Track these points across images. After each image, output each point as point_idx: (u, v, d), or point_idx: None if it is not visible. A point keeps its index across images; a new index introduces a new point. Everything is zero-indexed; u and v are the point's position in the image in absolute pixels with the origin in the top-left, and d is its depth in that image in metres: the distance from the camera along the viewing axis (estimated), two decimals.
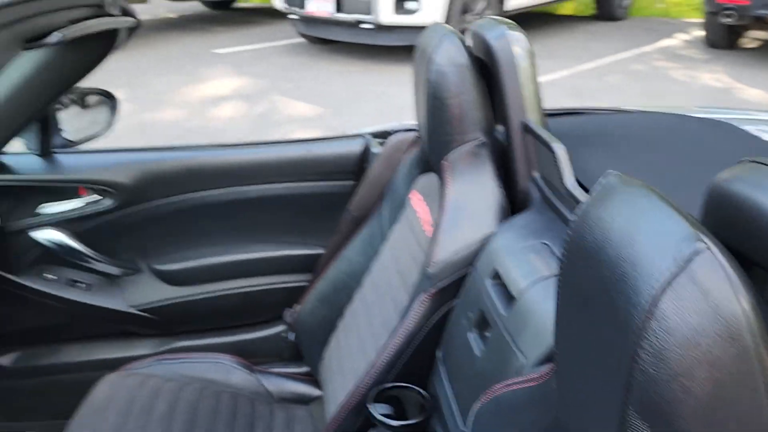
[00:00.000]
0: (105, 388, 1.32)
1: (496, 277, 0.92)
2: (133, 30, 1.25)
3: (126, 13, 1.13)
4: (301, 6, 6.05)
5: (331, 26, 6.09)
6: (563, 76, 5.63)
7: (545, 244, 0.92)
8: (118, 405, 1.26)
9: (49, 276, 1.56)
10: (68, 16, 0.91)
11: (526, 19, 7.65)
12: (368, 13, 5.62)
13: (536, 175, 1.10)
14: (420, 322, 1.05)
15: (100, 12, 1.01)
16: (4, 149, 1.44)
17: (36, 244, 1.51)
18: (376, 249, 1.36)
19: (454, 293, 1.04)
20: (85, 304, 1.57)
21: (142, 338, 1.66)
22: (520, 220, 1.04)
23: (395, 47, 5.94)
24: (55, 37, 0.83)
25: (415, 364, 1.08)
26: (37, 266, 1.55)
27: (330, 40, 6.44)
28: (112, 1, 1.03)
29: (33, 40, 0.81)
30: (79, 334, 1.64)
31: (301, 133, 4.33)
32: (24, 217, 1.50)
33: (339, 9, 5.78)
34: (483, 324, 0.92)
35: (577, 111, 1.50)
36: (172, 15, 8.76)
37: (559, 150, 0.98)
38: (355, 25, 5.79)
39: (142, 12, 8.62)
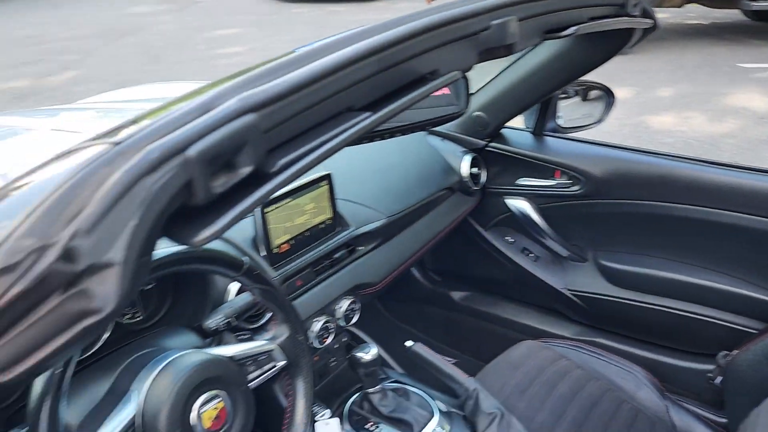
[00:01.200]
0: (522, 349, 1.44)
1: None
2: (648, 31, 1.26)
3: (646, 14, 1.15)
4: None
5: None
6: None
7: None
8: (528, 369, 1.37)
9: (509, 239, 1.78)
10: (589, 13, 0.98)
11: None
12: None
13: None
14: None
15: (621, 11, 1.05)
16: (508, 123, 1.68)
17: (507, 208, 1.73)
18: None
19: None
20: (529, 272, 1.73)
21: (566, 321, 1.75)
22: None
23: None
24: (571, 31, 0.91)
25: None
26: (502, 227, 1.78)
27: None
28: (636, 2, 1.06)
29: (552, 31, 0.90)
30: (516, 295, 1.82)
31: None
32: (505, 184, 1.73)
33: None
34: None
35: None
36: (702, 22, 8.35)
37: None
38: None
39: (672, 15, 8.42)
